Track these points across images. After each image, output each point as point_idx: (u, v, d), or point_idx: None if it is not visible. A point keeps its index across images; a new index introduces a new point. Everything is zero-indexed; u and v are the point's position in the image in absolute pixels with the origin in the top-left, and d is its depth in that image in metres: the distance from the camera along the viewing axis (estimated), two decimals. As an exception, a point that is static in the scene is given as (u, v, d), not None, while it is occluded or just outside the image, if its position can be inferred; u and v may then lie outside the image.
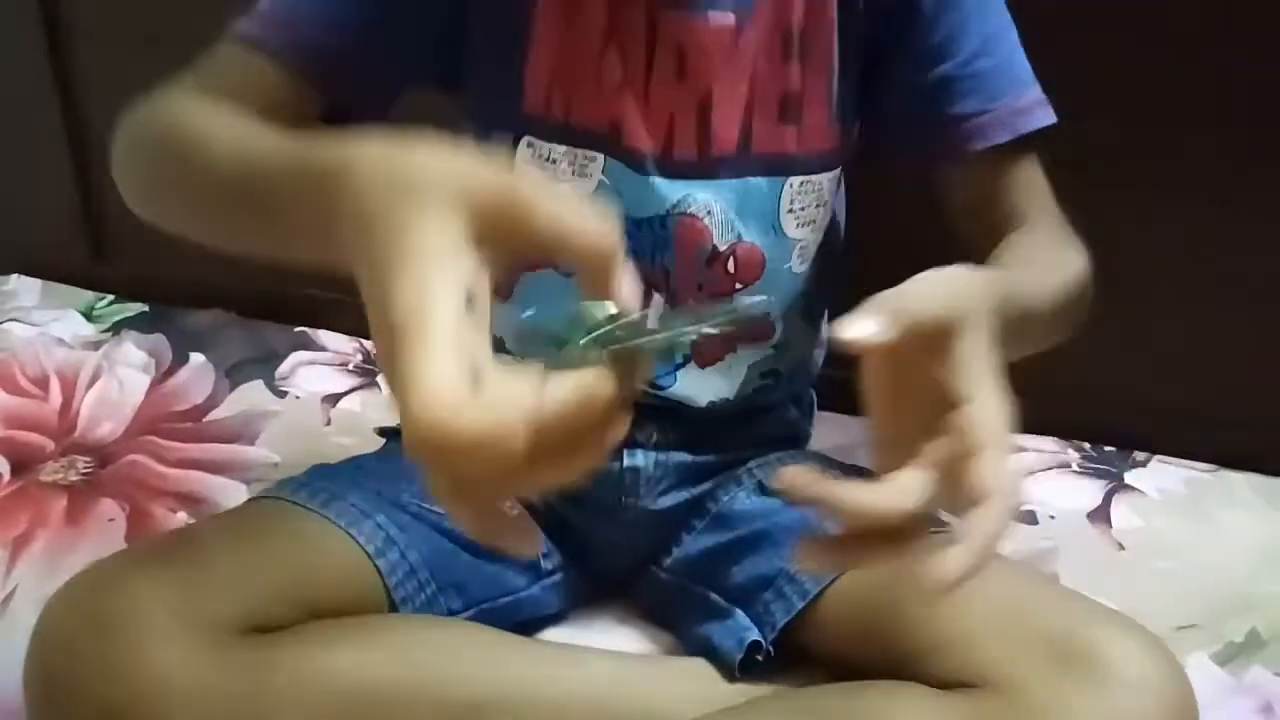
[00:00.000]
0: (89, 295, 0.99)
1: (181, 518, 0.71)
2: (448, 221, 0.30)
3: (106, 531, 0.70)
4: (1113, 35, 0.71)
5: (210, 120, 0.43)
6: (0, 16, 0.96)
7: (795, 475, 0.34)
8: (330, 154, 0.34)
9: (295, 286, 0.91)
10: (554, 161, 0.54)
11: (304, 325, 0.93)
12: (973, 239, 0.54)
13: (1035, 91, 0.55)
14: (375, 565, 0.52)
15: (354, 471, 0.56)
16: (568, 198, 0.31)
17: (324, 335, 0.93)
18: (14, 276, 1.01)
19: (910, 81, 0.55)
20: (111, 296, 0.98)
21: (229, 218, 0.42)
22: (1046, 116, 0.55)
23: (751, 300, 0.45)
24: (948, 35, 0.54)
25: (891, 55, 0.55)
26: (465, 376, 0.27)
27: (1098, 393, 0.79)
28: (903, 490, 0.34)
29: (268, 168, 0.38)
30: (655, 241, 0.55)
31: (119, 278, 0.99)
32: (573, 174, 0.54)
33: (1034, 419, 0.80)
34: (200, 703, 0.44)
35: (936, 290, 0.36)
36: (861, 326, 0.34)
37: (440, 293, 0.28)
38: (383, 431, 0.65)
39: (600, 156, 0.53)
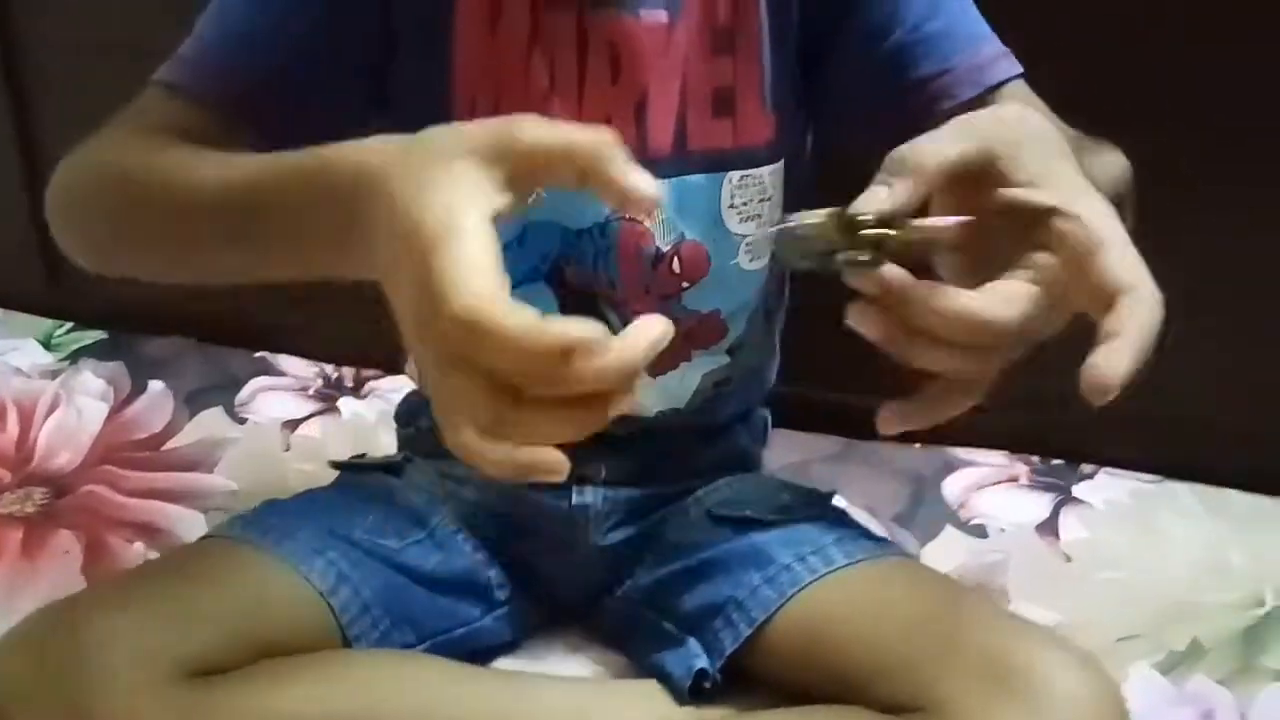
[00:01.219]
0: (47, 323, 0.99)
1: (139, 548, 0.71)
2: (465, 166, 0.32)
3: (63, 564, 0.70)
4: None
5: (174, 156, 0.44)
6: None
7: (890, 275, 0.33)
8: (335, 158, 0.36)
9: (256, 311, 0.92)
10: None
11: (264, 350, 0.93)
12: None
13: (994, 44, 0.54)
14: (328, 603, 0.52)
15: (306, 507, 0.57)
16: (553, 123, 0.33)
17: (284, 360, 0.93)
18: (-30, 306, 1.02)
19: (864, 56, 0.54)
20: (70, 324, 0.98)
21: (205, 247, 0.42)
22: (1012, 68, 0.53)
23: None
24: (892, 6, 0.54)
25: (837, 37, 0.54)
26: (499, 283, 0.29)
27: (1046, 405, 0.82)
28: (1007, 299, 0.34)
29: (263, 187, 0.39)
30: (597, 249, 0.55)
31: (77, 305, 0.99)
32: None
33: (988, 433, 0.82)
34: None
35: (976, 124, 0.36)
36: (873, 197, 0.35)
37: (470, 206, 0.31)
38: (336, 465, 0.65)
39: None
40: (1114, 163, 0.49)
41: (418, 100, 0.54)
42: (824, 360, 0.74)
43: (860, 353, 0.70)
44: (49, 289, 1.01)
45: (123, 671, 0.46)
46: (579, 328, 0.29)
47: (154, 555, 0.70)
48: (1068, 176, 0.35)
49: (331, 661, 0.51)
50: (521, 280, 0.55)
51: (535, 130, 0.33)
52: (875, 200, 0.35)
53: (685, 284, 0.56)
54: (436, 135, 0.34)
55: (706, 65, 0.53)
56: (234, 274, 0.43)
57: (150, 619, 0.48)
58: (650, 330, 0.31)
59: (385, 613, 0.54)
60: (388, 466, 0.63)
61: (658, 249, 0.55)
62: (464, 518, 0.60)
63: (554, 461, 0.31)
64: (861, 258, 0.33)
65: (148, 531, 0.73)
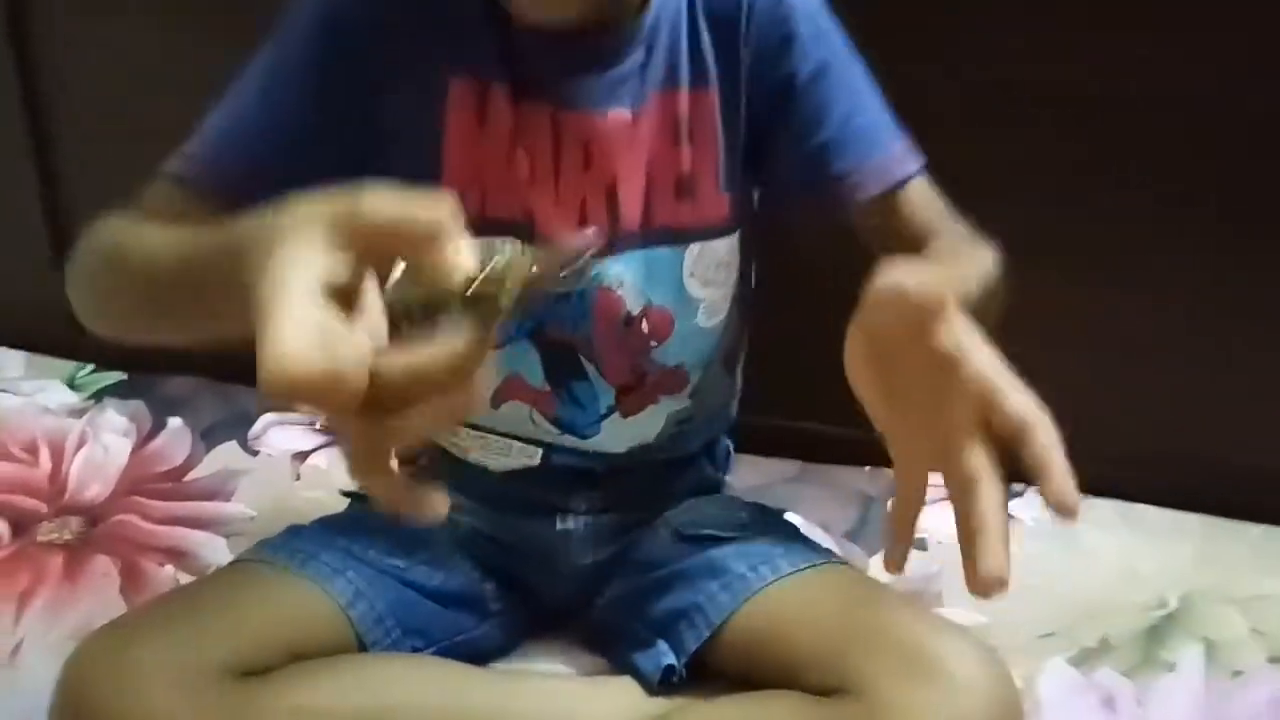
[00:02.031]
0: (71, 365, 1.06)
1: (169, 570, 0.79)
2: (301, 236, 0.34)
3: (102, 586, 0.77)
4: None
5: (147, 232, 0.49)
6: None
7: None
8: (235, 228, 0.38)
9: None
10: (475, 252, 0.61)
11: None
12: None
13: (899, 141, 0.62)
14: (347, 615, 0.60)
15: (324, 532, 0.65)
16: (400, 194, 0.35)
17: None
18: (-2, 349, 1.09)
19: (795, 151, 0.62)
20: (92, 365, 1.06)
21: (169, 310, 0.46)
22: (915, 163, 0.62)
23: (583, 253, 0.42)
24: (821, 104, 0.62)
25: (776, 130, 0.62)
26: (311, 335, 0.31)
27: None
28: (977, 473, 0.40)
29: (189, 258, 0.42)
30: (576, 313, 0.62)
31: (98, 348, 1.07)
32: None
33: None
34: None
35: (913, 275, 0.40)
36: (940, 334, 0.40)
37: (292, 279, 0.32)
38: (347, 494, 0.73)
39: (517, 243, 0.60)
40: (986, 259, 0.56)
41: (408, 186, 0.61)
42: (784, 392, 0.84)
43: (815, 386, 0.79)
44: (72, 334, 1.08)
45: (170, 675, 0.53)
46: (393, 357, 0.32)
47: (184, 576, 0.78)
48: (963, 330, 0.41)
49: (352, 664, 0.59)
50: (508, 339, 0.63)
51: (374, 203, 0.34)
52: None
53: (653, 343, 0.64)
54: (292, 207, 0.35)
55: (668, 155, 0.61)
56: (197, 333, 0.45)
57: (194, 630, 0.56)
58: (431, 354, 0.33)
59: (396, 623, 0.62)
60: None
61: (629, 313, 0.62)
62: (462, 541, 0.68)
63: (432, 503, 0.35)
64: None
65: (176, 555, 0.81)
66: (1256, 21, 0.76)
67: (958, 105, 0.82)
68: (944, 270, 0.49)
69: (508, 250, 0.36)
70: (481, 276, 0.35)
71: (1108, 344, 0.87)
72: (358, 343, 0.32)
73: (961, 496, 0.41)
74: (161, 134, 0.97)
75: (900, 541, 0.47)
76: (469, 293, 0.35)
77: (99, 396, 1.01)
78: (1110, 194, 0.83)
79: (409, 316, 0.35)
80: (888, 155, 0.62)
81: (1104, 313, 0.86)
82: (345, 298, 0.34)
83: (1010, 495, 0.88)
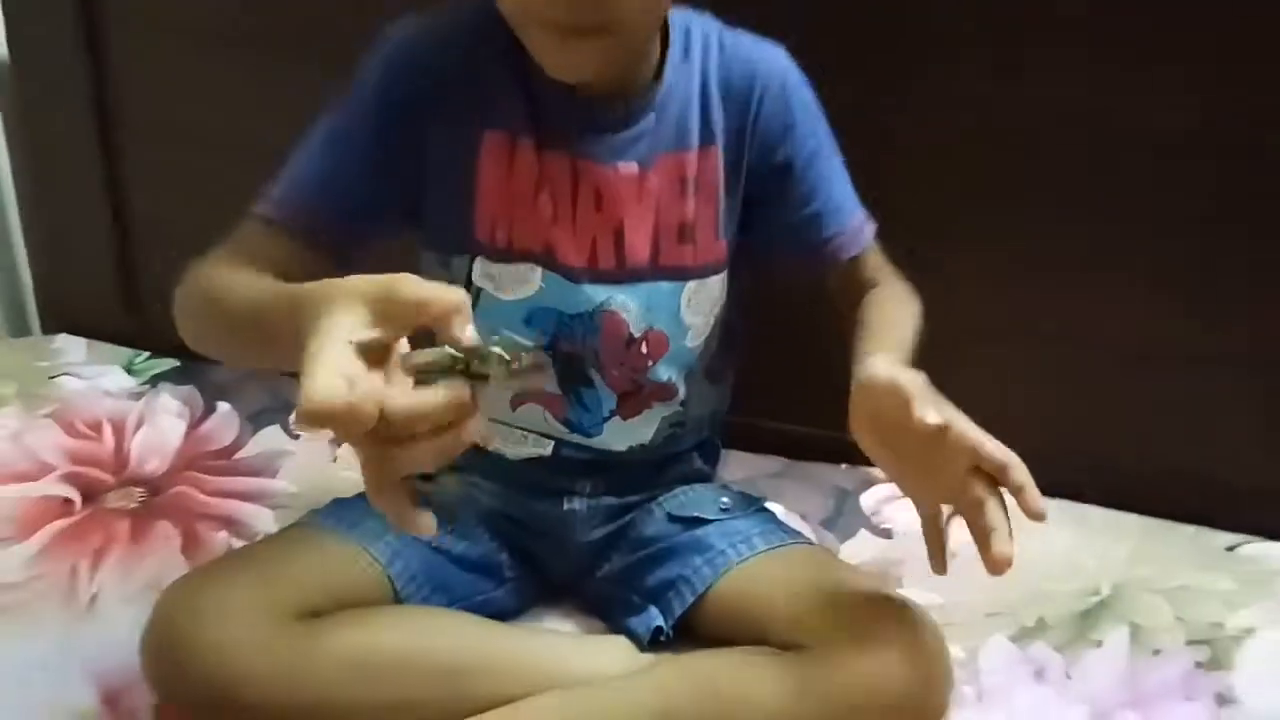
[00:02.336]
0: (128, 352, 1.16)
1: (223, 536, 0.89)
2: (345, 304, 0.46)
3: (165, 548, 0.87)
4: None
5: (232, 280, 0.62)
6: (55, 111, 1.15)
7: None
8: (299, 291, 0.51)
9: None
10: (498, 276, 0.72)
11: None
12: (841, 304, 0.77)
13: (861, 210, 0.78)
14: (386, 573, 0.71)
15: (366, 504, 0.75)
16: (426, 283, 0.47)
17: None
18: (61, 336, 1.20)
19: (790, 217, 0.76)
20: (148, 353, 1.16)
21: (245, 346, 0.60)
22: (872, 228, 0.78)
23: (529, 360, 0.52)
24: (813, 181, 0.75)
25: (771, 198, 0.75)
26: (339, 379, 0.43)
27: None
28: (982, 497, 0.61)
29: (265, 309, 0.55)
30: (586, 330, 0.73)
31: (153, 337, 1.17)
32: (516, 283, 0.72)
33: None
34: (265, 666, 0.64)
35: (897, 374, 0.60)
36: (928, 414, 0.58)
37: (332, 335, 0.45)
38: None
39: (539, 269, 0.71)
40: (914, 316, 0.75)
41: (447, 221, 0.72)
42: (770, 397, 0.94)
43: (797, 391, 0.90)
44: (129, 323, 1.19)
45: (242, 615, 0.65)
46: (400, 399, 0.45)
47: (236, 541, 0.87)
48: (935, 402, 0.60)
49: (390, 611, 0.70)
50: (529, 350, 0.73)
51: (408, 287, 0.47)
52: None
53: (650, 361, 0.75)
54: (344, 281, 0.48)
55: (674, 205, 0.72)
56: (265, 365, 0.63)
57: (261, 579, 0.67)
58: (427, 400, 0.46)
59: (426, 581, 0.73)
60: (423, 475, 0.82)
61: (631, 334, 0.73)
62: (482, 516, 0.79)
63: (423, 526, 0.49)
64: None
65: (229, 523, 0.90)
66: (1225, 55, 0.85)
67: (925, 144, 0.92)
68: (900, 361, 0.66)
69: (495, 344, 0.48)
70: (474, 352, 0.48)
71: (1062, 362, 0.97)
72: (374, 387, 0.44)
73: (974, 514, 0.62)
74: (213, 144, 1.10)
75: (937, 554, 0.67)
76: (462, 362, 0.47)
77: (154, 382, 1.12)
78: (1059, 221, 0.92)
79: (421, 374, 0.47)
80: (859, 221, 0.76)
81: (1057, 335, 0.96)
82: (375, 356, 0.46)
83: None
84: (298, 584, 0.67)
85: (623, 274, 0.72)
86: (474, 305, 0.71)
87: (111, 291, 1.18)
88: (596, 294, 0.72)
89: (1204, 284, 0.91)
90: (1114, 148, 0.89)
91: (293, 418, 0.47)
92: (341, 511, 0.74)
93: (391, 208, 0.71)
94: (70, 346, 1.18)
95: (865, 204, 0.80)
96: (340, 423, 0.43)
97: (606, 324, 0.73)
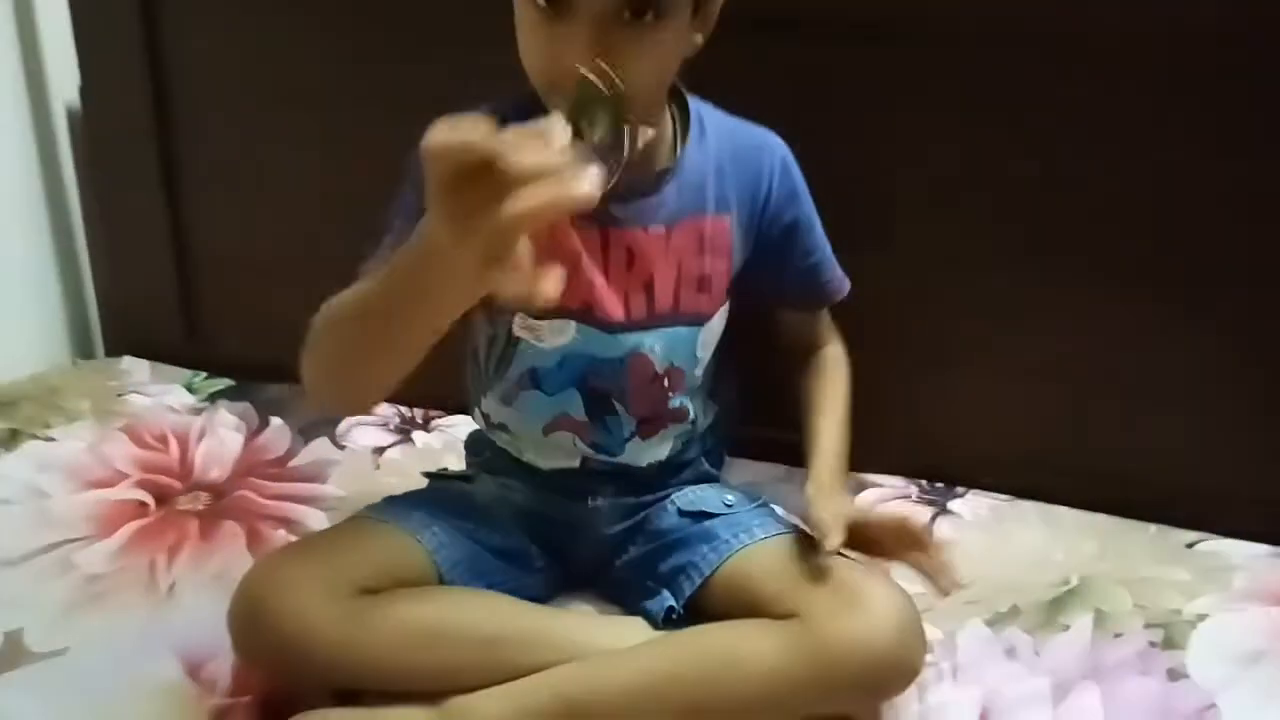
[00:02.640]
0: (187, 372, 1.28)
1: (282, 533, 0.99)
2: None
3: (232, 544, 0.98)
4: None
5: (348, 292, 0.67)
6: (124, 154, 1.27)
7: None
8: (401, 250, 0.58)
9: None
10: (537, 328, 0.82)
11: None
12: (797, 347, 0.93)
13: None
14: (433, 560, 0.81)
15: (414, 500, 0.87)
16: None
17: None
18: (126, 358, 1.31)
19: (798, 268, 0.91)
20: (205, 373, 1.28)
21: (383, 331, 0.60)
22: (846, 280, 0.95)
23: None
24: (814, 239, 0.91)
25: (782, 254, 0.89)
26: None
27: (933, 443, 1.11)
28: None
29: (389, 279, 0.59)
30: (616, 371, 0.84)
31: (211, 359, 1.29)
32: (554, 334, 0.82)
33: (889, 463, 1.11)
34: (331, 633, 0.74)
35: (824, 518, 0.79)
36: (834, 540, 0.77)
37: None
38: (428, 474, 0.94)
39: (574, 322, 0.81)
40: (848, 381, 0.96)
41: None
42: (772, 409, 1.03)
43: (797, 407, 0.99)
44: (189, 347, 1.31)
45: (311, 590, 0.75)
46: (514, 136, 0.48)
47: (294, 538, 0.97)
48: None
49: (437, 591, 0.80)
50: (559, 388, 0.84)
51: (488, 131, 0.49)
52: None
53: (671, 394, 0.86)
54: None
55: (695, 260, 0.83)
56: (408, 344, 0.61)
57: (327, 561, 0.77)
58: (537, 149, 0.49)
59: (467, 568, 0.82)
60: (463, 477, 0.93)
61: (656, 372, 0.84)
62: (515, 513, 0.89)
63: (549, 287, 0.49)
64: None
65: (286, 522, 1.01)
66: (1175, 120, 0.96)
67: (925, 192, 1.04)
68: (835, 478, 0.88)
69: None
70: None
71: (1041, 379, 1.07)
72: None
73: (921, 567, 0.84)
74: (268, 187, 1.22)
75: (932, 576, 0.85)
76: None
77: (213, 399, 1.23)
78: (1038, 257, 1.02)
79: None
80: (839, 270, 0.93)
81: (1039, 358, 1.05)
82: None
83: (954, 496, 1.08)
84: (358, 566, 0.77)
85: (651, 320, 0.84)
86: (513, 350, 0.84)
87: (174, 318, 1.30)
88: (629, 340, 0.83)
89: (1166, 316, 1.01)
90: (1069, 205, 1.00)
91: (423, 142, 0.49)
92: (395, 507, 0.85)
93: None
94: (135, 368, 1.30)
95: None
96: (455, 137, 0.47)
97: (635, 365, 0.84)
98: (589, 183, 0.47)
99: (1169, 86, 0.94)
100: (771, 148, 0.88)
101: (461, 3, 1.06)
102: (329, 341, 0.65)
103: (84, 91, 1.27)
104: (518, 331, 0.83)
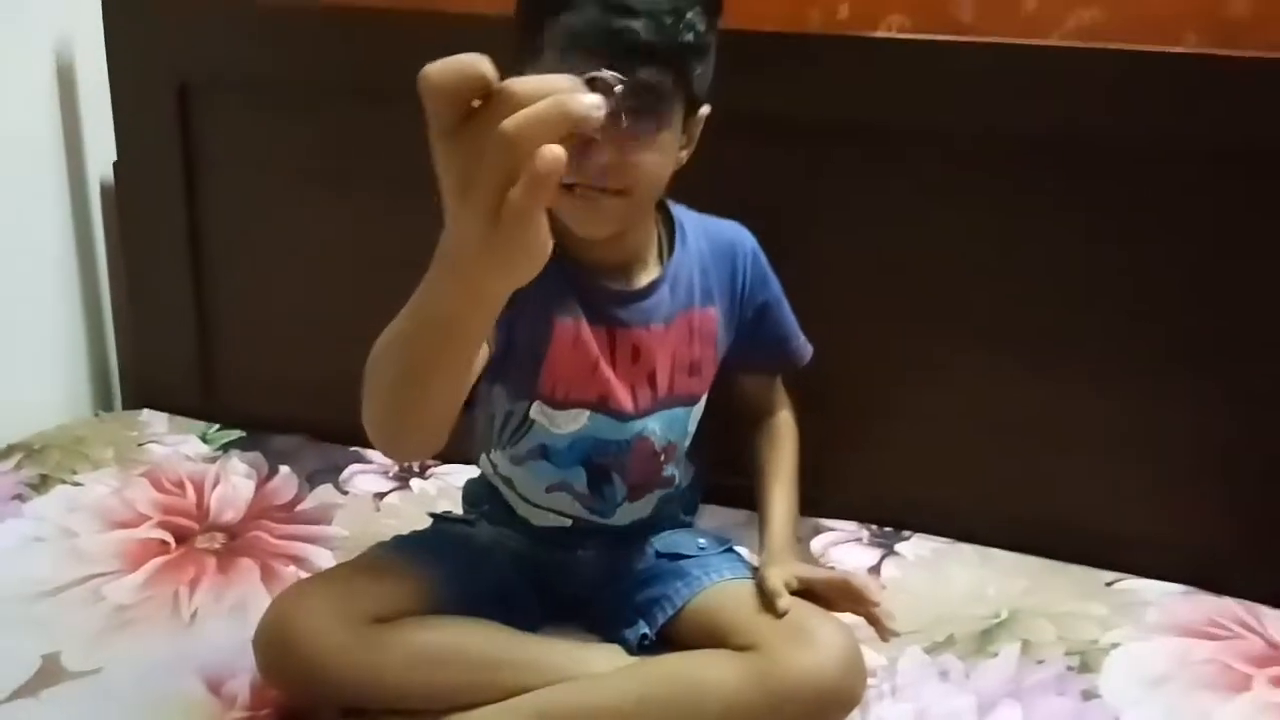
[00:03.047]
0: (201, 424, 1.38)
1: (292, 569, 1.08)
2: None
3: (247, 578, 1.07)
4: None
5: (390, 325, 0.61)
6: (154, 226, 1.39)
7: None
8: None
9: (351, 418, 1.32)
10: (553, 415, 0.91)
11: (357, 446, 1.32)
12: (752, 410, 1.05)
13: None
14: (437, 593, 0.91)
15: (420, 539, 0.97)
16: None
17: (371, 453, 1.32)
18: (145, 411, 1.41)
19: (769, 339, 1.03)
20: (219, 425, 1.37)
21: (431, 349, 0.56)
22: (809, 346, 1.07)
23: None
24: (783, 314, 1.04)
25: (756, 330, 1.01)
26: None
27: (882, 491, 1.23)
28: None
29: (420, 300, 0.55)
30: (621, 451, 0.94)
31: (224, 412, 1.39)
32: (568, 421, 0.92)
33: (842, 509, 1.23)
34: (346, 657, 0.84)
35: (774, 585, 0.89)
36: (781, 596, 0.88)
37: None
38: (432, 515, 1.05)
39: (587, 411, 0.92)
40: (797, 446, 1.08)
41: (521, 376, 0.91)
42: (739, 461, 1.14)
43: (752, 468, 1.10)
44: (204, 401, 1.41)
45: (328, 619, 0.85)
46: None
47: (303, 573, 1.07)
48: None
49: (441, 620, 0.89)
50: (567, 464, 0.94)
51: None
52: None
53: (666, 466, 0.98)
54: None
55: (688, 349, 0.95)
56: (456, 361, 0.58)
57: (343, 593, 0.87)
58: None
59: (467, 602, 0.92)
60: (465, 521, 1.04)
61: (656, 450, 0.95)
62: (511, 557, 0.99)
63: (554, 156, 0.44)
64: None
65: (296, 560, 1.10)
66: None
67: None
68: (786, 546, 0.99)
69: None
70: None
71: (979, 436, 1.18)
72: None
73: (864, 617, 0.90)
74: (286, 258, 1.35)
75: (873, 623, 0.90)
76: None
77: (226, 449, 1.33)
78: (974, 326, 1.15)
79: None
80: (803, 338, 1.06)
81: (977, 417, 1.17)
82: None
83: (900, 539, 1.20)
84: (370, 597, 0.88)
85: (654, 407, 0.95)
86: (528, 428, 0.94)
87: (192, 376, 1.41)
88: (635, 426, 0.94)
89: (1087, 382, 1.14)
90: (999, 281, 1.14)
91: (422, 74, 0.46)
92: (404, 545, 0.96)
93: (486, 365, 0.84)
94: (153, 420, 1.40)
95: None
96: (461, 68, 0.44)
97: (639, 446, 0.95)
98: (591, 100, 0.45)
99: (1066, 185, 1.09)
100: (742, 241, 1.00)
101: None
102: (379, 379, 0.62)
103: (118, 165, 1.39)
104: (534, 415, 0.92)
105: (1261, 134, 1.02)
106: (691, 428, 0.99)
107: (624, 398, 0.93)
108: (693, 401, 0.98)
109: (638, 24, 0.77)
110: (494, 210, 0.46)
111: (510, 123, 0.44)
